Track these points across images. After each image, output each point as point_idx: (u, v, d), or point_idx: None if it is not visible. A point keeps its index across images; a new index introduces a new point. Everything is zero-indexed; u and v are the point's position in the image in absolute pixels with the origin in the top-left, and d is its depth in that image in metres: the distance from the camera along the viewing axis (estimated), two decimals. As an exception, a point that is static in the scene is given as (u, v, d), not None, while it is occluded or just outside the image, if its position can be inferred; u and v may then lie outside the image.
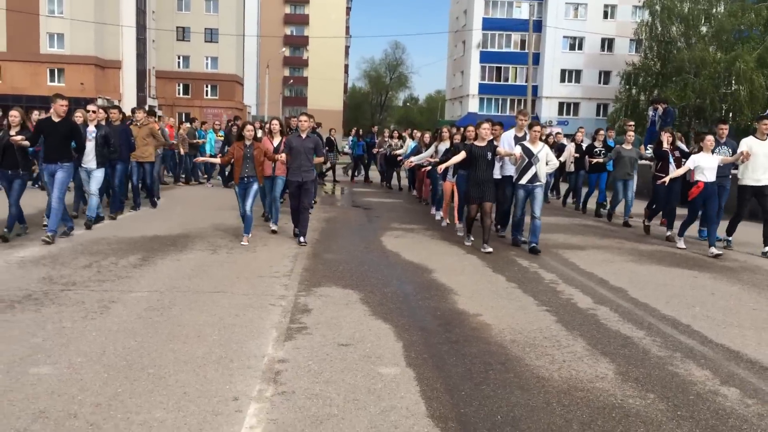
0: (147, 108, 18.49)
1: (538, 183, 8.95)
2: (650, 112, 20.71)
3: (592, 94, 59.56)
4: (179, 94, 65.25)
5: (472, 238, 9.30)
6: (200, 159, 11.43)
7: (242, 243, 8.85)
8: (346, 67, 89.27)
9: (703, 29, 47.68)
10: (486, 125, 8.96)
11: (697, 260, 8.80)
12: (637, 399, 3.96)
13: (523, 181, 8.96)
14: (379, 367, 4.37)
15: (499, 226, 10.35)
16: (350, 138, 24.11)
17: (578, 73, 60.21)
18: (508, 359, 4.61)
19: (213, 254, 8.12)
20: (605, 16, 59.33)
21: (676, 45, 48.01)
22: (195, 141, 18.47)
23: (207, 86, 65.58)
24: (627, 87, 50.36)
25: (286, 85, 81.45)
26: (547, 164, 9.04)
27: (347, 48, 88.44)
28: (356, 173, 22.63)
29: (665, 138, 10.64)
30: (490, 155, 8.80)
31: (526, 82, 51.56)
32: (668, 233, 10.47)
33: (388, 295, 6.33)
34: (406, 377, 4.20)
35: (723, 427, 3.61)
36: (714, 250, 8.97)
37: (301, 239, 9.01)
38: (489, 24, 60.11)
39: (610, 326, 5.52)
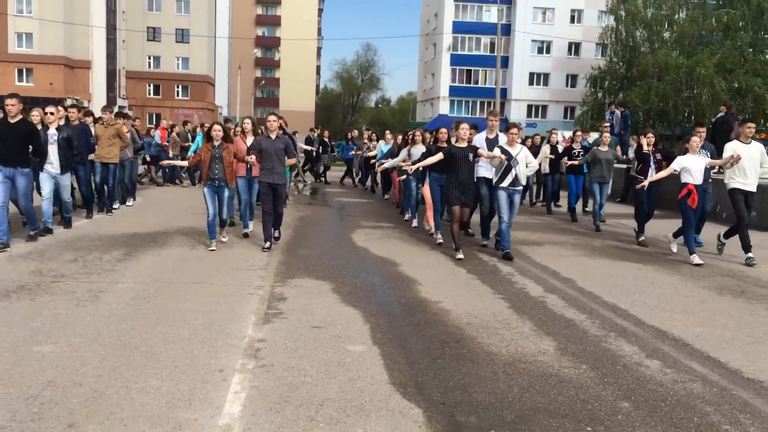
0: (117, 109, 18.34)
1: (518, 187, 8.78)
2: (607, 116, 21.63)
3: (559, 97, 60.82)
4: (150, 94, 65.03)
5: (461, 255, 8.56)
6: (165, 162, 11.24)
7: (222, 239, 9.00)
8: (318, 68, 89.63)
9: (666, 35, 49.09)
10: (465, 125, 8.75)
11: (643, 254, 9.49)
12: (572, 369, 4.57)
13: (504, 184, 8.73)
14: (348, 345, 4.93)
15: (483, 236, 9.84)
16: (341, 142, 24.45)
17: (546, 76, 61.44)
18: (462, 338, 5.19)
19: (192, 250, 8.58)
20: (572, 20, 60.63)
21: (640, 50, 49.33)
22: (187, 144, 18.46)
23: (178, 87, 65.47)
24: (593, 90, 51.61)
25: (258, 86, 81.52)
26: (526, 166, 8.85)
27: (319, 49, 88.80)
28: (345, 176, 22.44)
29: (646, 140, 10.32)
30: (471, 156, 8.59)
31: (495, 84, 52.66)
32: (640, 238, 10.23)
33: (357, 286, 6.89)
34: (372, 353, 4.76)
35: (641, 390, 4.23)
36: (696, 259, 8.65)
37: (276, 233, 9.09)
38: (459, 27, 61.03)
39: (556, 311, 6.14)
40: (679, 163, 9.03)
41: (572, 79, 60.58)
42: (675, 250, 9.52)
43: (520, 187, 8.89)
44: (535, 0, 59.87)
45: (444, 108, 61.26)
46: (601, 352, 4.97)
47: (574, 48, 60.67)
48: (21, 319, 5.22)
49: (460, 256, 8.51)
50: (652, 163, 10.04)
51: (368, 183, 19.77)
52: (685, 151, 9.25)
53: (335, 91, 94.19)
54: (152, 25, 63.74)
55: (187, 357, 4.50)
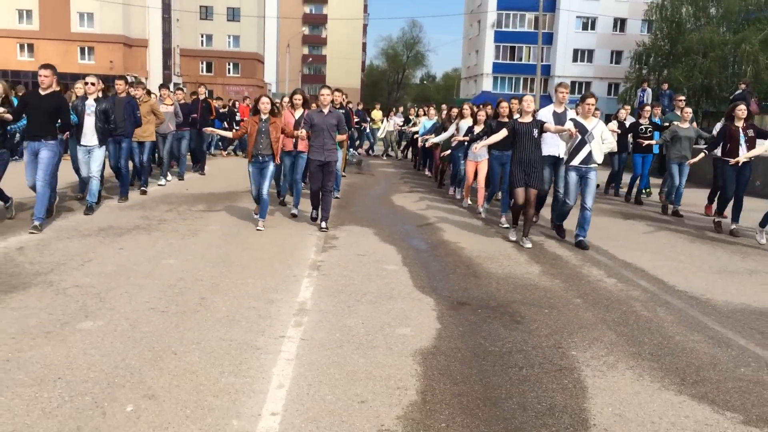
0: (173, 86, 18.39)
1: (592, 165, 7.81)
2: (639, 93, 22.68)
3: (604, 73, 60.86)
4: (202, 71, 67.52)
5: (515, 237, 8.22)
6: (209, 130, 9.85)
7: (258, 228, 8.30)
8: (364, 45, 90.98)
9: (712, 11, 48.76)
10: (529, 98, 7.99)
11: (645, 216, 10.94)
12: (548, 282, 6.24)
13: (576, 162, 7.80)
14: (384, 265, 6.70)
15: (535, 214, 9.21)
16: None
17: (591, 52, 61.53)
18: (471, 264, 6.90)
19: (260, 205, 10.46)
20: (618, -5, 60.40)
21: (686, 26, 49.13)
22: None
23: (229, 64, 67.85)
24: (637, 67, 51.62)
25: (305, 64, 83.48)
26: (603, 143, 7.89)
27: (365, 26, 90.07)
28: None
29: (738, 112, 9.23)
30: (536, 132, 7.83)
31: (537, 61, 53.33)
32: (733, 226, 9.19)
33: (393, 231, 8.64)
34: (402, 270, 6.52)
35: (593, 294, 5.87)
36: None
37: (323, 224, 8.39)
38: (504, 4, 61.49)
39: (551, 250, 7.78)
40: None
41: (617, 56, 60.52)
42: (764, 241, 8.43)
43: (595, 165, 7.85)
44: (581, -24, 59.82)
45: (487, 85, 62.11)
46: (574, 273, 6.62)
47: (620, 24, 60.54)
48: (146, 245, 7.14)
49: (514, 237, 8.16)
50: (743, 142, 9.02)
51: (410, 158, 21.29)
52: None
53: (381, 67, 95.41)
54: (205, 4, 66.10)
55: (269, 269, 6.33)
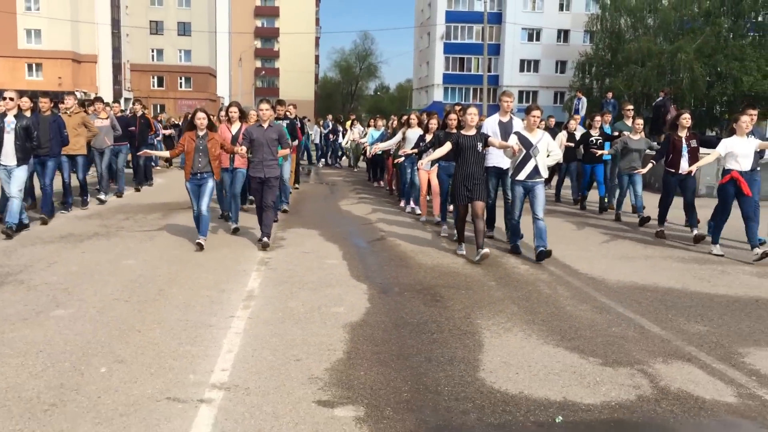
0: (123, 102, 18.01)
1: (539, 179, 7.64)
2: (575, 102, 23.99)
3: (549, 83, 62.89)
4: (154, 86, 67.42)
5: (463, 250, 7.89)
6: (146, 152, 9.94)
7: (197, 242, 7.91)
8: (317, 57, 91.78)
9: (650, 21, 51.00)
10: (473, 110, 7.77)
11: (577, 215, 11.94)
12: (470, 270, 7.10)
13: (521, 176, 7.63)
14: (326, 260, 7.48)
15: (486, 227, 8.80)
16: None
17: (536, 63, 63.54)
18: (404, 257, 7.72)
19: (213, 212, 11.12)
20: (561, 8, 62.66)
21: (625, 36, 51.23)
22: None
23: (181, 78, 67.88)
24: (581, 76, 53.58)
25: (258, 77, 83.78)
26: (548, 156, 7.73)
27: (317, 39, 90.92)
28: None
29: (683, 121, 9.17)
30: (480, 146, 7.63)
31: (488, 71, 55.04)
32: (694, 232, 8.89)
33: (337, 232, 9.42)
34: (341, 264, 7.31)
35: (506, 278, 6.75)
36: (717, 250, 8.05)
37: (264, 239, 8.05)
38: (452, 17, 63.19)
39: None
40: (725, 146, 7.96)
41: (561, 66, 62.62)
42: (720, 252, 8.11)
43: (541, 179, 7.71)
44: (525, -11, 61.90)
45: (438, 95, 63.55)
46: (493, 262, 7.49)
47: (563, 35, 62.71)
48: (106, 249, 7.77)
49: (462, 251, 7.87)
50: (685, 152, 9.04)
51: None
52: (731, 133, 8.18)
53: (334, 79, 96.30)
54: (155, 20, 66.06)
55: (221, 265, 7.05)
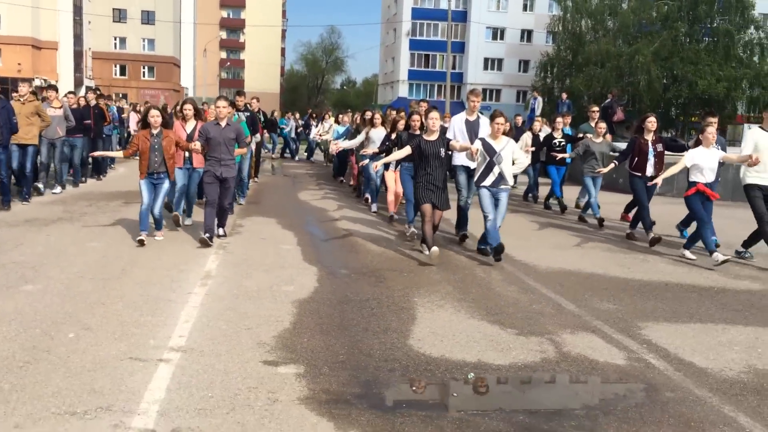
0: (84, 90, 15.79)
1: (503, 186, 7.55)
2: (531, 100, 24.78)
3: (512, 81, 63.97)
4: (116, 75, 66.54)
5: (431, 250, 7.29)
6: (97, 153, 10.10)
7: (156, 237, 7.90)
8: (283, 50, 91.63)
9: (610, 23, 52.28)
10: (435, 114, 7.61)
11: (539, 214, 12.59)
12: (415, 256, 7.66)
13: (486, 183, 7.53)
14: (281, 245, 7.98)
15: (458, 228, 8.97)
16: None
17: (500, 61, 64.59)
18: (355, 245, 8.27)
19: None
20: (525, 8, 63.78)
21: (585, 38, 52.42)
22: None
23: (144, 68, 67.11)
24: (543, 75, 54.66)
25: (223, 68, 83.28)
26: (513, 163, 7.64)
27: (284, 32, 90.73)
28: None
29: (648, 125, 9.06)
30: (443, 152, 7.49)
31: (453, 69, 55.96)
32: (630, 231, 9.32)
33: (294, 221, 9.92)
34: (296, 249, 7.82)
35: (447, 263, 7.34)
36: (720, 257, 7.53)
37: (220, 231, 8.11)
38: (418, 14, 63.82)
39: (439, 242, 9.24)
40: (691, 158, 7.95)
41: (524, 65, 63.77)
42: (692, 257, 8.05)
43: (506, 187, 7.64)
44: (489, -12, 62.84)
45: (403, 91, 64.14)
46: (454, 260, 8.03)
47: (527, 35, 63.81)
48: (70, 232, 8.15)
49: (428, 253, 7.42)
50: (651, 156, 8.92)
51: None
52: (697, 143, 8.19)
53: (300, 72, 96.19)
54: (118, 7, 65.17)
55: (181, 249, 7.50)
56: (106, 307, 5.19)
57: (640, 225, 9.15)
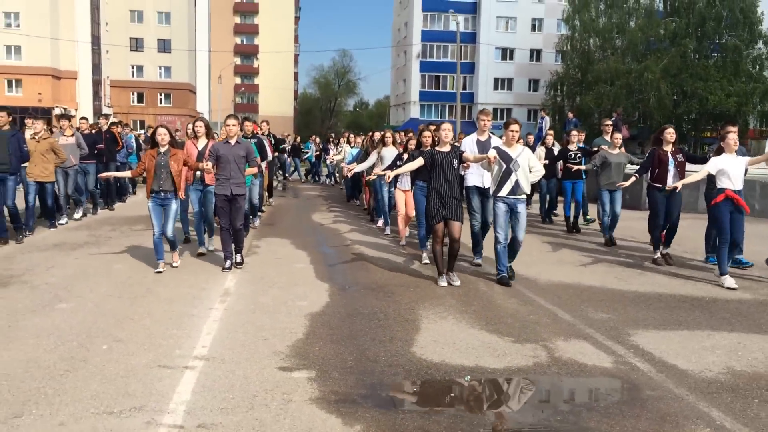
0: (110, 118, 15.77)
1: (521, 196, 7.36)
2: (539, 120, 25.21)
3: (523, 100, 64.52)
4: (134, 102, 68.00)
5: (444, 282, 7.30)
6: (105, 175, 9.61)
7: (173, 264, 7.93)
8: (296, 74, 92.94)
9: (618, 42, 52.70)
10: (448, 126, 7.60)
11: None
12: (423, 272, 8.05)
13: (503, 192, 7.34)
14: (295, 264, 8.43)
15: (475, 254, 8.76)
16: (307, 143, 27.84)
17: (510, 81, 65.23)
18: (365, 263, 8.67)
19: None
20: (533, 28, 64.49)
21: (594, 56, 52.84)
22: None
23: (161, 95, 68.59)
24: (553, 94, 55.12)
25: (238, 93, 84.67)
26: (530, 171, 7.45)
27: (296, 56, 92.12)
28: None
29: (667, 136, 8.82)
30: (456, 163, 7.39)
31: (463, 89, 56.66)
32: (665, 251, 8.97)
33: (308, 241, 10.37)
34: (308, 268, 8.26)
35: (467, 286, 7.72)
36: (729, 282, 7.42)
37: (237, 258, 8.10)
38: (428, 36, 64.75)
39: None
40: (715, 164, 7.70)
41: (534, 84, 64.37)
42: (734, 285, 7.43)
43: (524, 196, 7.44)
44: (498, 10, 63.57)
45: (415, 112, 64.90)
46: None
47: (536, 55, 64.45)
48: (96, 255, 8.64)
49: (444, 283, 7.29)
50: (671, 167, 8.67)
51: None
52: (719, 151, 7.95)
53: (313, 96, 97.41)
54: (135, 36, 66.76)
55: (201, 268, 7.96)
56: (135, 322, 5.64)
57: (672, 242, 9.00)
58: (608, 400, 4.29)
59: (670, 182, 8.57)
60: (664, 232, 9.04)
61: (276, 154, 18.03)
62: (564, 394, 4.47)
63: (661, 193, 8.73)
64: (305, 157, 26.41)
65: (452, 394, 4.36)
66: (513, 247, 7.58)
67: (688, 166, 8.92)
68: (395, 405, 4.08)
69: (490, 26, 63.08)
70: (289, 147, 24.78)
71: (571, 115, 26.47)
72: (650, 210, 9.08)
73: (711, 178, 7.94)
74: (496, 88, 64.64)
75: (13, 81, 53.61)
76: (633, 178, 9.44)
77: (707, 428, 3.78)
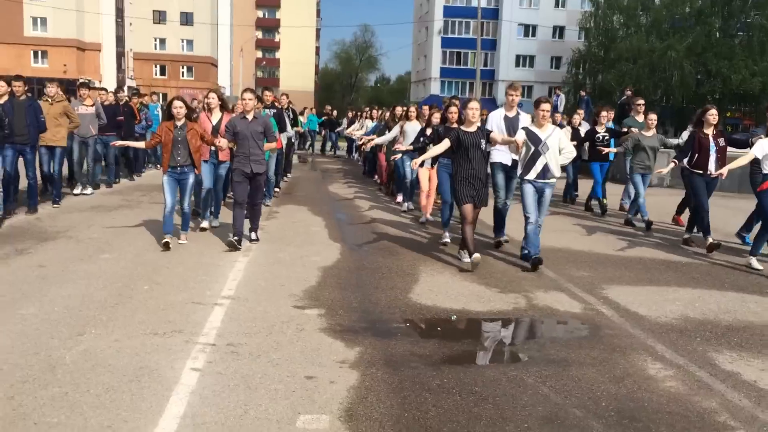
0: (126, 90, 15.77)
1: (550, 180, 7.07)
2: (553, 98, 25.57)
3: (544, 78, 64.28)
4: (156, 75, 68.97)
5: (473, 257, 6.83)
6: (118, 143, 9.20)
7: (180, 241, 7.68)
8: (317, 49, 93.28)
9: (642, 19, 52.20)
10: (475, 104, 7.04)
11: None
12: (425, 234, 8.79)
13: (531, 176, 7.03)
14: (311, 227, 9.23)
15: (496, 232, 8.45)
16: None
17: (532, 58, 65.05)
18: (375, 227, 9.44)
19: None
20: (556, 5, 64.10)
21: (617, 34, 52.39)
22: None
23: (183, 68, 69.52)
24: (574, 72, 54.84)
25: (259, 67, 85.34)
26: (560, 153, 7.10)
27: (318, 31, 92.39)
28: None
29: (709, 118, 8.25)
30: (483, 143, 6.97)
31: (485, 66, 56.88)
32: (686, 235, 8.78)
33: (324, 208, 11.17)
34: (323, 230, 9.05)
35: (457, 242, 8.46)
36: (755, 263, 7.35)
37: (252, 235, 7.97)
38: (450, 12, 64.68)
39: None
40: (762, 148, 7.39)
41: (556, 61, 64.06)
42: (759, 266, 7.34)
43: (553, 180, 7.13)
44: (521, -15, 63.29)
45: (435, 88, 65.15)
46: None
47: (558, 32, 64.11)
48: (132, 216, 9.51)
49: (467, 259, 7.00)
50: (713, 151, 8.19)
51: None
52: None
53: (334, 70, 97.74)
54: (158, 9, 67.54)
55: (227, 229, 8.78)
56: (170, 269, 6.48)
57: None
58: (570, 335, 5.05)
59: (712, 168, 8.18)
60: (683, 216, 8.78)
61: (300, 129, 17.87)
62: (534, 331, 5.24)
63: (702, 178, 8.29)
64: (338, 129, 26.69)
65: (438, 329, 5.13)
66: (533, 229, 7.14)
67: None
68: (390, 335, 4.86)
69: (513, 2, 62.79)
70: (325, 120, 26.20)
71: (583, 93, 26.69)
72: (694, 197, 8.56)
73: (755, 161, 7.53)
74: (517, 65, 64.54)
75: (39, 52, 54.79)
76: (672, 164, 8.74)
77: (648, 357, 4.52)
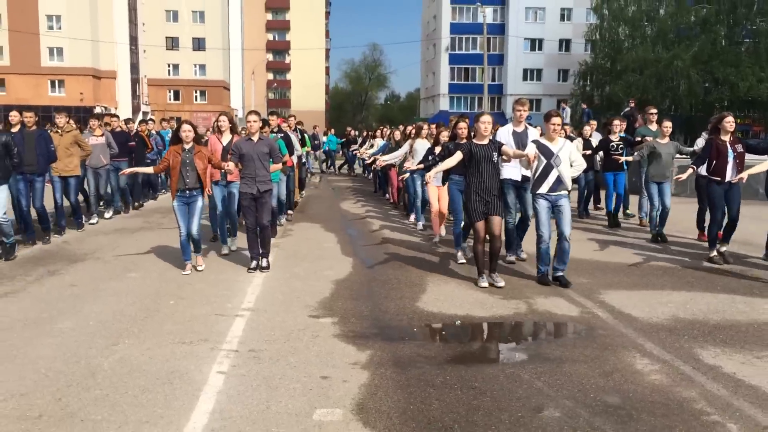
0: (141, 116, 15.86)
1: (562, 192, 7.01)
2: (561, 112, 25.98)
3: (552, 91, 64.71)
4: (170, 100, 70.25)
5: (485, 282, 6.96)
6: (126, 171, 8.90)
7: (192, 269, 7.60)
8: (327, 69, 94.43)
9: (647, 30, 52.54)
10: (487, 118, 7.06)
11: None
12: (436, 251, 9.19)
13: (543, 189, 6.97)
14: (324, 243, 9.67)
15: (507, 251, 8.38)
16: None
17: (539, 72, 65.51)
18: (386, 244, 9.84)
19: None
20: (562, 18, 64.65)
21: (623, 45, 52.77)
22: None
23: (196, 92, 70.73)
24: (581, 84, 55.22)
25: (270, 89, 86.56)
26: (571, 165, 7.09)
27: (327, 51, 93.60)
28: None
29: (726, 125, 8.15)
30: (496, 156, 6.97)
31: (492, 81, 57.40)
32: (723, 248, 8.32)
33: (336, 225, 11.61)
34: (336, 246, 9.48)
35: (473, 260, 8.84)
36: None
37: (263, 262, 7.78)
38: (456, 28, 65.43)
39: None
40: None
41: (563, 74, 64.55)
42: None
43: (565, 192, 7.07)
44: (527, 0, 63.90)
45: (444, 105, 65.78)
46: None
47: (565, 44, 64.61)
48: (153, 237, 10.01)
49: (485, 283, 6.94)
50: (731, 158, 8.08)
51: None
52: None
53: (345, 90, 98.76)
54: (171, 36, 68.92)
55: (243, 245, 9.23)
56: (192, 286, 6.93)
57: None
58: (566, 336, 5.42)
59: (729, 175, 8.06)
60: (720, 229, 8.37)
61: (310, 150, 18.19)
62: (532, 332, 5.62)
63: (720, 186, 8.16)
64: (353, 148, 26.95)
65: (443, 333, 5.52)
66: (561, 247, 6.97)
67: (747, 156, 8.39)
68: (398, 339, 5.26)
69: (519, 17, 63.45)
70: (343, 140, 27.12)
71: (584, 105, 27.04)
72: (709, 205, 8.51)
73: None
74: (525, 78, 65.06)
75: (56, 81, 56.06)
76: (690, 170, 8.47)
77: (637, 353, 4.89)
